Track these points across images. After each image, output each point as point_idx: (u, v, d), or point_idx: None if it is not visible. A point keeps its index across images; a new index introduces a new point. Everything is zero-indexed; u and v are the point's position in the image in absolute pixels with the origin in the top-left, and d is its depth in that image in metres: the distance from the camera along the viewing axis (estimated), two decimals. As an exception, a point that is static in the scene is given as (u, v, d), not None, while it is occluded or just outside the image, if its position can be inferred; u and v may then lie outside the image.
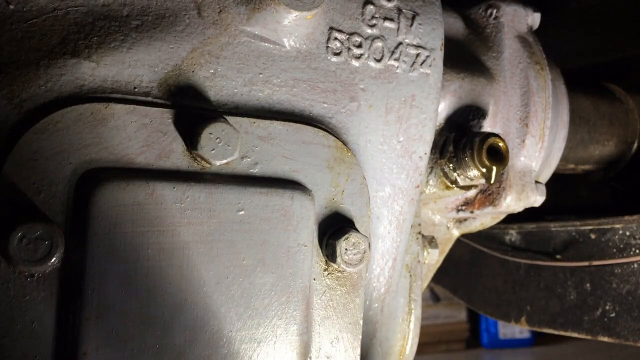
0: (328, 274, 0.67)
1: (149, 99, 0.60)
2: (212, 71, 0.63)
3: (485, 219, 1.01)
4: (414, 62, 0.74)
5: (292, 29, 0.65)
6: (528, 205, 0.96)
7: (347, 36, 0.70)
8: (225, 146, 0.59)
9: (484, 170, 0.83)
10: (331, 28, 0.69)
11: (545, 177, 1.04)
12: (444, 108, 0.89)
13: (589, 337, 1.17)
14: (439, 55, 0.76)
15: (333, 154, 0.68)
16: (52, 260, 0.52)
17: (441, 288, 1.67)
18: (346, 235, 0.65)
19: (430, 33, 0.75)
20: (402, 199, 0.75)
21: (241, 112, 0.64)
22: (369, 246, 0.66)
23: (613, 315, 1.12)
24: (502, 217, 1.02)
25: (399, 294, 0.83)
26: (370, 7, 0.71)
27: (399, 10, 0.73)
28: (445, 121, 0.89)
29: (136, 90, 0.60)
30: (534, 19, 0.98)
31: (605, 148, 1.19)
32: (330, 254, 0.65)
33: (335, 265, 0.65)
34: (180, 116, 0.60)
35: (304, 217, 0.64)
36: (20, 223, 0.51)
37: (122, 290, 0.55)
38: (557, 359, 4.00)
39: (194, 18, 0.62)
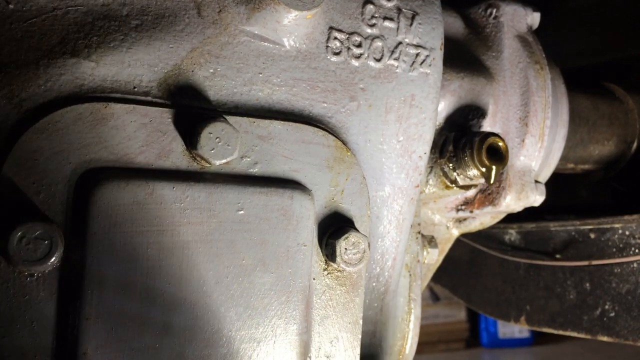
0: (328, 274, 0.67)
1: (149, 98, 0.60)
2: (211, 71, 0.63)
3: (484, 218, 1.01)
4: (413, 62, 0.74)
5: (291, 28, 0.65)
6: (528, 205, 0.96)
7: (347, 36, 0.70)
8: (225, 146, 0.59)
9: (483, 169, 0.83)
10: (331, 28, 0.69)
11: (544, 176, 1.04)
12: (443, 107, 0.89)
13: (588, 337, 1.17)
14: (438, 55, 0.76)
15: (333, 154, 0.68)
16: (52, 259, 0.52)
17: (441, 287, 1.67)
18: (346, 235, 0.65)
19: (430, 33, 0.75)
20: (401, 198, 0.75)
21: (241, 111, 0.64)
22: (369, 246, 0.66)
23: (612, 314, 1.12)
24: (501, 216, 1.02)
25: (398, 294, 0.83)
26: (370, 7, 0.71)
27: (399, 10, 0.73)
28: (445, 121, 0.89)
29: (136, 89, 0.60)
30: (534, 18, 0.98)
31: (605, 148, 1.19)
32: (330, 254, 0.65)
33: (335, 265, 0.65)
34: (180, 116, 0.60)
35: (303, 216, 0.64)
36: (20, 223, 0.51)
37: (121, 289, 0.55)
38: (556, 358, 4.00)
39: (193, 18, 0.62)
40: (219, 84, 0.63)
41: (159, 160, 0.59)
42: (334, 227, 0.66)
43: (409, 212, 0.77)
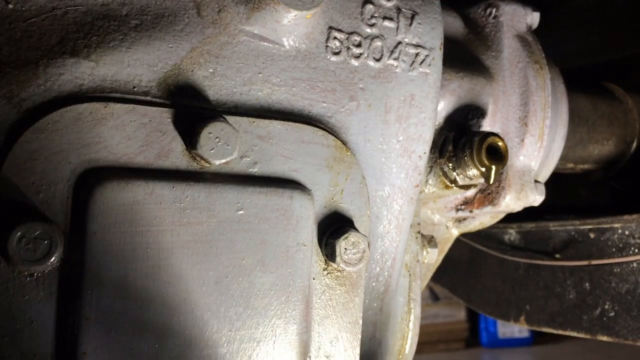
0: (327, 274, 0.67)
1: (148, 98, 0.60)
2: (211, 70, 0.63)
3: (484, 218, 1.01)
4: (413, 62, 0.74)
5: (291, 28, 0.65)
6: (527, 205, 0.96)
7: (347, 35, 0.70)
8: (225, 145, 0.59)
9: (483, 169, 0.83)
10: (330, 27, 0.69)
11: (544, 176, 1.04)
12: (443, 107, 0.89)
13: (588, 337, 1.17)
14: (438, 55, 0.76)
15: (332, 154, 0.68)
16: (52, 259, 0.52)
17: (440, 287, 1.67)
18: (345, 235, 0.65)
19: (430, 32, 0.75)
20: (401, 198, 0.75)
21: (240, 111, 0.64)
22: (368, 245, 0.66)
23: (612, 314, 1.12)
24: (501, 216, 1.02)
25: (398, 294, 0.83)
26: (369, 7, 0.71)
27: (398, 10, 0.73)
28: (444, 120, 0.89)
29: (135, 89, 0.60)
30: (533, 18, 0.98)
31: (605, 147, 1.19)
32: (329, 254, 0.65)
33: (334, 265, 0.65)
34: (180, 115, 0.60)
35: (303, 216, 0.64)
36: (19, 223, 0.51)
37: (121, 289, 0.55)
38: (556, 358, 4.00)
39: (193, 17, 0.62)
40: (218, 84, 0.63)
41: (159, 160, 0.59)
42: (334, 227, 0.66)
43: (408, 211, 0.77)
